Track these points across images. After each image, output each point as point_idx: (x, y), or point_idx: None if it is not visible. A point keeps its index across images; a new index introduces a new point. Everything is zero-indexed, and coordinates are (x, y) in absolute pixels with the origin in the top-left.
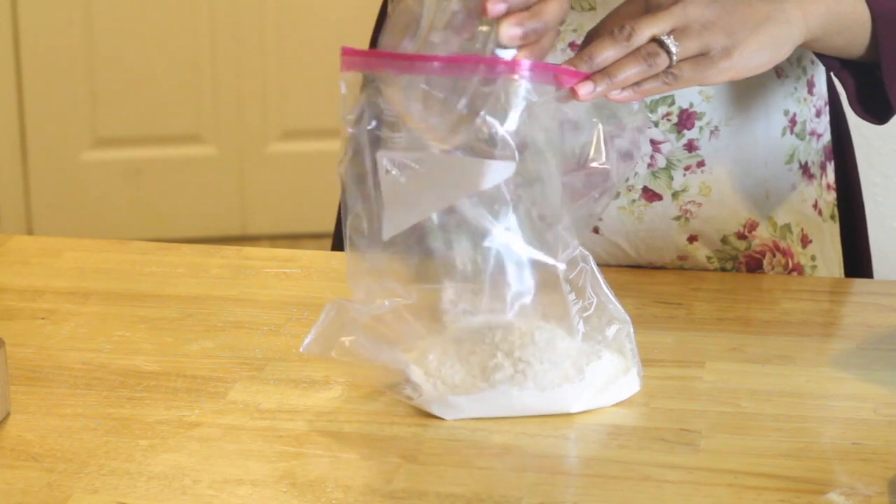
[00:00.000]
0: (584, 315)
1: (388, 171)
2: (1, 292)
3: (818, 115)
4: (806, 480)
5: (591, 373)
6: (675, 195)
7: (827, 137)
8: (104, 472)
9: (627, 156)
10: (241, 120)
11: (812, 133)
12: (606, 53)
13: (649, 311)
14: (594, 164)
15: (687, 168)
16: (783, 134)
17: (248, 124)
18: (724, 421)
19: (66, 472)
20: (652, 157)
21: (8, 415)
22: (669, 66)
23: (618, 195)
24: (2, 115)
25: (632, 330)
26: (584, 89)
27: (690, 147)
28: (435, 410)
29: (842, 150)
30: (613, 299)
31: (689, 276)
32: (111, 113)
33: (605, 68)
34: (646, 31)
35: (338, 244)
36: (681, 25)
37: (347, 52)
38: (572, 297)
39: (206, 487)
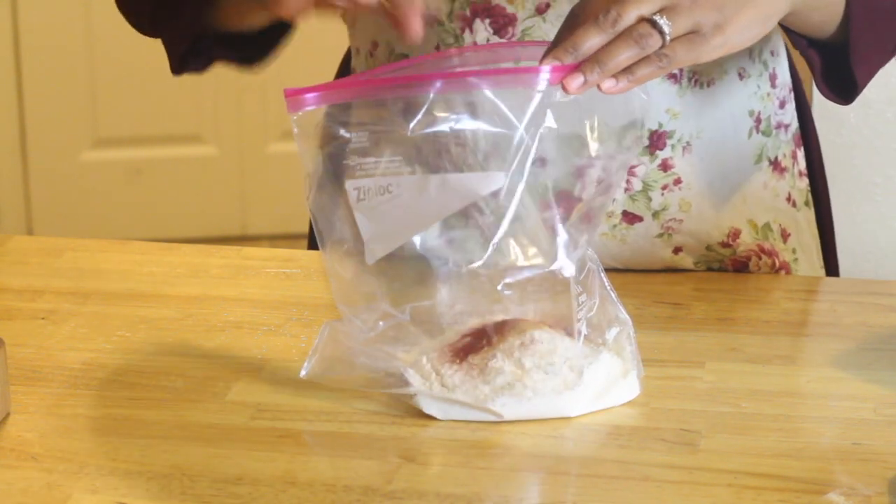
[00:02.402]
0: (587, 316)
1: (359, 199)
2: (1, 292)
3: (782, 105)
4: (806, 480)
5: (589, 375)
6: (655, 215)
7: (795, 125)
8: (104, 472)
9: (603, 186)
10: (241, 120)
11: (778, 126)
12: (592, 41)
13: (649, 311)
14: (571, 197)
15: (664, 187)
16: (750, 135)
17: (248, 124)
18: (724, 421)
19: (66, 472)
20: (628, 181)
21: (8, 415)
22: (661, 47)
23: None
24: (2, 115)
25: (632, 332)
26: (574, 82)
27: (665, 167)
28: (433, 412)
29: (807, 133)
30: (616, 301)
31: (689, 276)
32: (111, 113)
33: (593, 56)
34: (634, 11)
35: (313, 245)
36: (670, 4)
37: (290, 94)
38: (583, 297)
39: (206, 487)
